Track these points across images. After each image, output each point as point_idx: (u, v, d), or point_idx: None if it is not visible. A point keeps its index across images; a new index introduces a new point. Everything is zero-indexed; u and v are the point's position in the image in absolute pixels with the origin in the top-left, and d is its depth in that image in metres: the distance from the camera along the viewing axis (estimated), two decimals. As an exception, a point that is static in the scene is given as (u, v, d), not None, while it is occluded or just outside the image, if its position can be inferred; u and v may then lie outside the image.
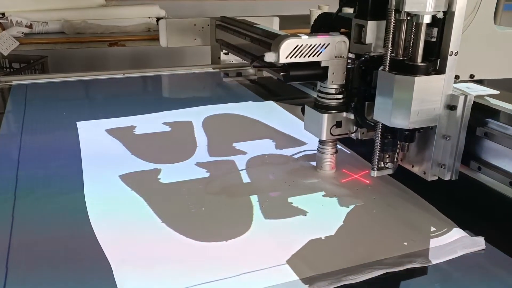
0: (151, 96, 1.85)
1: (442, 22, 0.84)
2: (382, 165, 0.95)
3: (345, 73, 0.98)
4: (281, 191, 1.00)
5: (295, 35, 0.95)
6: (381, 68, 0.88)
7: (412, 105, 0.84)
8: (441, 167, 0.91)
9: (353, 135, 1.03)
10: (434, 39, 0.85)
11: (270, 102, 1.62)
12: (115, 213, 0.92)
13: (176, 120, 1.44)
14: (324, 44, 0.95)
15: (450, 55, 0.84)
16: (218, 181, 1.06)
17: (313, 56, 0.95)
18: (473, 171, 0.96)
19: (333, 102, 1.00)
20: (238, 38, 1.82)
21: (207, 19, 2.03)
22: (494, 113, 0.94)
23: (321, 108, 1.01)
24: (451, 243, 0.82)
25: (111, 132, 1.34)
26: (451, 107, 0.87)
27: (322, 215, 0.92)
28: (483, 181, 0.96)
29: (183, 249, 0.81)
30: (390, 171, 0.96)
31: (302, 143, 1.27)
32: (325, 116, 1.00)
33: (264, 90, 1.82)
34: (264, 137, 1.30)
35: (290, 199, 0.96)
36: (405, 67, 0.85)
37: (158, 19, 2.73)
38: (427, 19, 0.82)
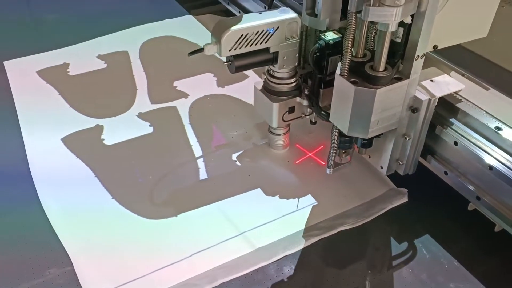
0: (82, 19, 1.55)
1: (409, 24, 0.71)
2: (339, 160, 0.89)
3: (297, 55, 0.87)
4: (226, 144, 1.04)
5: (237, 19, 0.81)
6: (338, 71, 0.75)
7: (372, 116, 0.75)
8: (399, 163, 0.87)
9: (307, 117, 0.95)
10: (399, 40, 0.74)
11: (209, 15, 1.51)
12: (69, 198, 0.91)
13: (111, 51, 1.35)
14: (273, 28, 0.82)
15: (416, 59, 0.73)
16: (162, 139, 1.05)
17: (260, 44, 0.83)
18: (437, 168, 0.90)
19: (285, 88, 0.91)
20: None
21: None
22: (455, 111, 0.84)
23: (272, 93, 0.91)
24: (379, 197, 0.91)
25: (43, 74, 1.25)
26: (414, 110, 0.79)
27: (263, 175, 0.96)
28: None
29: (137, 230, 0.85)
30: (347, 162, 0.91)
31: (244, 77, 1.24)
32: (276, 105, 0.91)
33: (199, 2, 1.63)
34: (205, 70, 1.26)
35: (234, 156, 1.00)
36: (366, 76, 0.73)
37: None
38: (393, 27, 0.68)
